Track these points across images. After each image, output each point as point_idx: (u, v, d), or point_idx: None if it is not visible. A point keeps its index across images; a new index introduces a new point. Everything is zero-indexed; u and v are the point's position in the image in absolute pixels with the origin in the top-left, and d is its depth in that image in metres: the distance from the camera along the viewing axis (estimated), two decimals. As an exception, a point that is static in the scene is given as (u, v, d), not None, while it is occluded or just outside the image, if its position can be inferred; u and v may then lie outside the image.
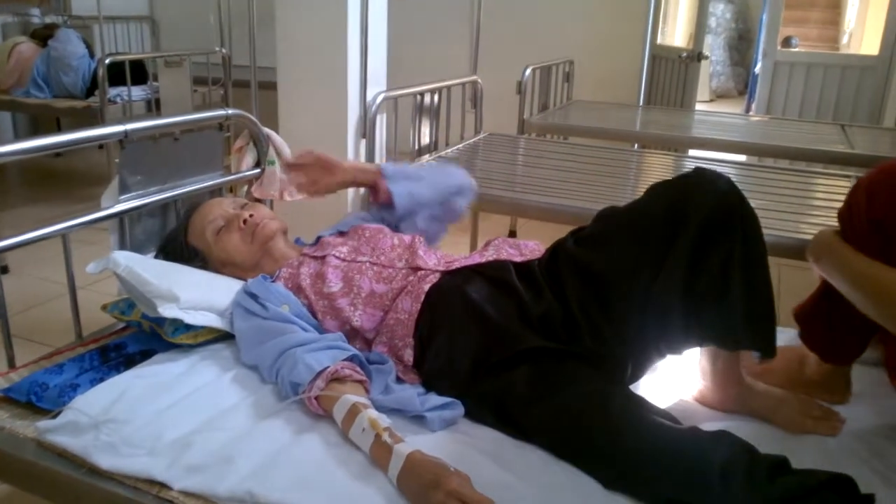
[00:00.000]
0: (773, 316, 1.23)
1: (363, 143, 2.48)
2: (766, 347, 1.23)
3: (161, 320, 1.45)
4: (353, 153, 2.47)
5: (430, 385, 1.35)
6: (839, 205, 1.33)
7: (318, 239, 1.66)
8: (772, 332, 1.24)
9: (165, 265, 1.56)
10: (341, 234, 1.68)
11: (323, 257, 1.53)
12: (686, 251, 1.19)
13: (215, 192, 1.87)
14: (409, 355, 1.37)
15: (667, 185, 1.28)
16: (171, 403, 1.25)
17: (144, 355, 1.45)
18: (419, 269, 1.48)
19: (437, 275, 1.45)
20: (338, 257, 1.52)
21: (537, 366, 1.26)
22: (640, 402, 1.21)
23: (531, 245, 1.55)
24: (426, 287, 1.42)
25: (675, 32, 5.07)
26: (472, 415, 1.27)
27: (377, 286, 1.45)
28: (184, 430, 1.18)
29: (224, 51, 4.37)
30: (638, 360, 1.35)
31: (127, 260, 1.47)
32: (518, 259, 1.49)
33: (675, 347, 1.32)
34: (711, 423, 1.23)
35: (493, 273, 1.44)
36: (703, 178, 1.23)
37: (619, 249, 1.29)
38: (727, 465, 1.04)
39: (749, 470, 1.04)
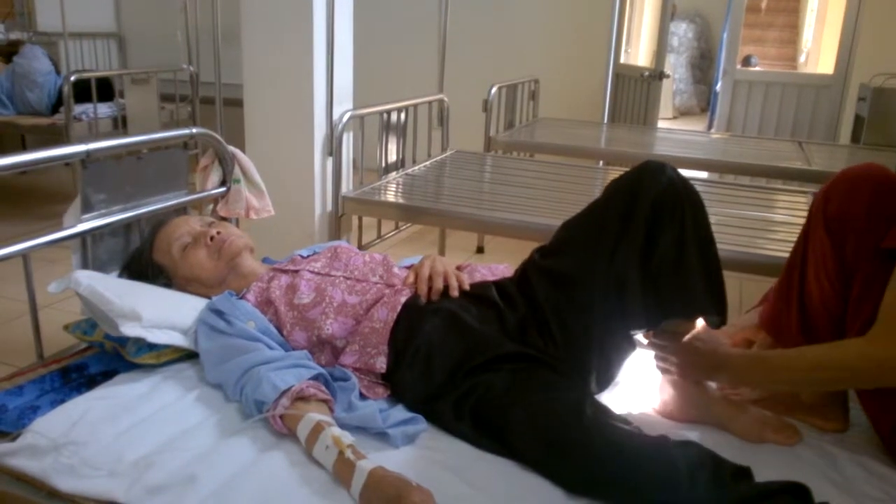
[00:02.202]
0: (724, 286, 1.34)
1: (330, 160, 2.49)
2: (724, 312, 1.33)
3: (124, 340, 1.44)
4: (319, 171, 2.48)
5: (402, 392, 1.36)
6: (798, 220, 1.38)
7: (291, 257, 1.67)
8: (725, 299, 1.33)
9: (128, 284, 1.56)
10: (315, 253, 1.70)
11: (296, 271, 1.54)
12: (640, 229, 1.30)
13: (180, 210, 1.86)
14: (381, 363, 1.38)
15: (618, 180, 1.39)
16: (132, 424, 1.24)
17: (106, 376, 1.44)
18: (394, 284, 1.50)
19: (413, 289, 1.48)
20: (312, 271, 1.54)
21: (516, 370, 1.29)
22: (611, 413, 1.25)
23: (501, 268, 1.61)
24: (402, 299, 1.44)
25: (639, 52, 5.17)
26: (447, 419, 1.28)
27: (349, 297, 1.47)
28: (146, 450, 1.18)
29: (191, 68, 4.35)
30: (605, 357, 1.39)
31: (89, 279, 1.46)
32: (491, 279, 1.54)
33: (639, 326, 1.39)
34: (674, 435, 1.26)
35: (473, 289, 1.48)
36: (651, 167, 1.35)
37: (581, 246, 1.39)
38: (694, 467, 1.08)
39: (715, 471, 1.09)
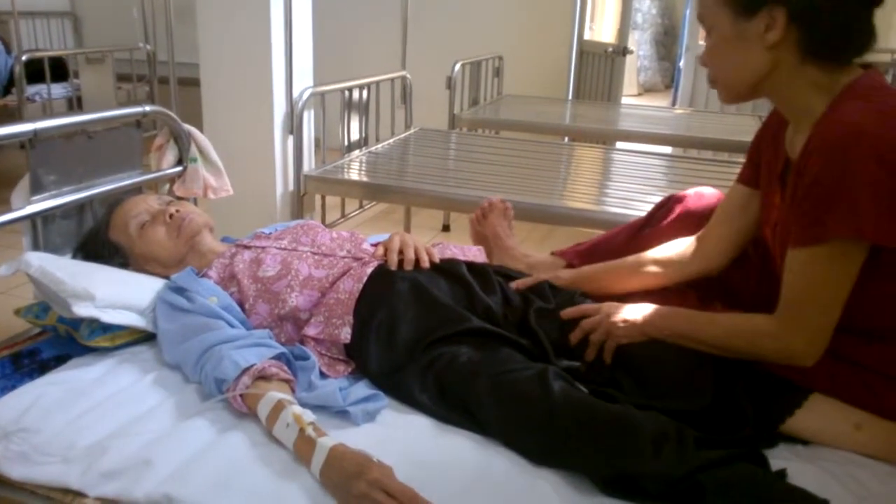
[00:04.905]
0: None
1: (290, 139, 2.45)
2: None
3: (77, 323, 1.41)
4: (280, 149, 2.44)
5: (366, 363, 1.34)
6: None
7: (255, 234, 1.64)
8: None
9: (81, 264, 1.52)
10: (278, 231, 1.67)
11: (262, 248, 1.52)
12: None
13: (134, 190, 1.81)
14: (346, 333, 1.36)
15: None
16: (86, 409, 1.21)
17: (59, 361, 1.40)
18: (362, 258, 1.48)
19: (382, 261, 1.46)
20: (278, 247, 1.52)
21: (481, 343, 1.30)
22: (575, 383, 1.24)
23: (473, 250, 1.60)
24: (369, 270, 1.43)
25: (603, 28, 5.17)
26: (411, 390, 1.27)
27: (316, 271, 1.45)
28: (100, 435, 1.15)
29: (148, 46, 4.25)
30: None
31: (40, 260, 1.42)
32: (461, 258, 1.53)
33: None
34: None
35: (442, 264, 1.48)
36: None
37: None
38: (659, 433, 1.09)
39: (679, 438, 1.09)
